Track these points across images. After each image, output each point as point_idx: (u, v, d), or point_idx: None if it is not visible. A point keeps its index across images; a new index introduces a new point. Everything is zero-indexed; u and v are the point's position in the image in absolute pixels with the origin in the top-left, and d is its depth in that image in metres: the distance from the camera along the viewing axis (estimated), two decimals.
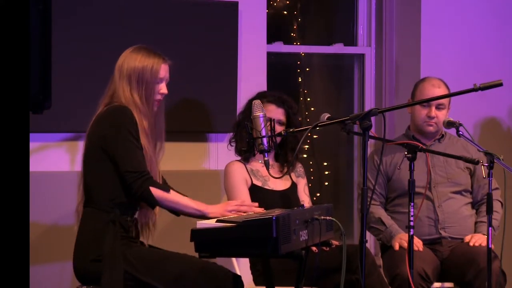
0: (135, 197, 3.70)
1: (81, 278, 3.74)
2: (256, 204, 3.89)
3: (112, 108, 3.75)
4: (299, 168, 4.61)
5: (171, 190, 3.75)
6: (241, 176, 4.42)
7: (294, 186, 4.53)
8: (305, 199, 4.52)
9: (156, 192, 3.68)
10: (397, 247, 4.52)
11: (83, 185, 3.80)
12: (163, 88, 3.84)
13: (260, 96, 4.42)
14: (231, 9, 5.10)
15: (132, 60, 3.80)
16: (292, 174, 4.56)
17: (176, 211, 3.84)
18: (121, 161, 3.68)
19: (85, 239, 3.73)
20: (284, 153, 4.49)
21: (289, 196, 4.46)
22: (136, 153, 3.68)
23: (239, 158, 4.52)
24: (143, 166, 3.69)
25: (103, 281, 3.57)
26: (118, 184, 3.71)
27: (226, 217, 3.54)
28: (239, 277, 3.73)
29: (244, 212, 3.77)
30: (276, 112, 4.43)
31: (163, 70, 3.82)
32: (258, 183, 4.43)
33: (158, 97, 3.83)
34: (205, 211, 3.74)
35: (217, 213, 3.73)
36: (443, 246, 4.62)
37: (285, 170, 4.45)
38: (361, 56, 5.80)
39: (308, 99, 5.80)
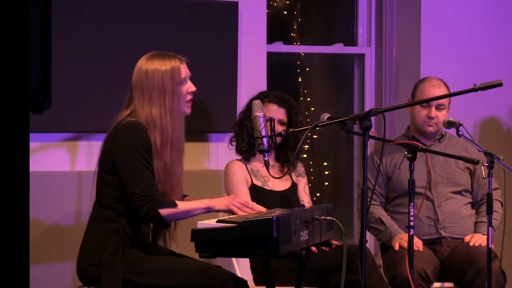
0: (144, 220, 3.67)
1: (82, 279, 3.74)
2: (261, 208, 3.86)
3: (129, 124, 3.67)
4: (300, 167, 4.60)
5: (177, 202, 3.67)
6: (241, 175, 4.42)
7: (294, 186, 4.52)
8: (305, 199, 4.52)
9: (164, 212, 3.62)
10: (397, 247, 4.52)
11: (95, 187, 3.78)
12: (190, 87, 3.80)
13: (261, 95, 4.42)
14: (231, 9, 5.10)
15: (150, 72, 3.70)
16: (293, 174, 4.55)
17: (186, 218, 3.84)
18: (129, 183, 3.62)
19: (88, 243, 3.72)
20: (285, 153, 4.49)
21: (289, 197, 4.45)
22: (144, 174, 3.62)
23: (239, 157, 4.52)
24: (150, 189, 3.62)
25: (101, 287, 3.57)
26: (125, 197, 3.66)
27: (226, 218, 3.54)
28: (244, 282, 3.71)
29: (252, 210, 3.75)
30: (278, 112, 4.43)
31: (183, 70, 3.77)
32: (258, 183, 4.43)
33: (188, 97, 3.79)
34: (210, 205, 3.71)
35: (222, 205, 3.71)
36: (443, 246, 4.62)
37: (286, 170, 4.45)
38: (361, 56, 5.79)
39: (308, 99, 5.80)
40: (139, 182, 3.61)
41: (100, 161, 3.75)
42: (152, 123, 3.68)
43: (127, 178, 3.63)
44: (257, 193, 4.39)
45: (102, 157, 3.74)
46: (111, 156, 3.69)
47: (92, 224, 3.74)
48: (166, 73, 3.72)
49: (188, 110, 3.81)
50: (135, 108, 3.74)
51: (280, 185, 4.46)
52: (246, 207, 3.72)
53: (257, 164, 4.48)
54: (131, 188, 3.61)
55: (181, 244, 3.77)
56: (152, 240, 3.82)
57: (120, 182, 3.66)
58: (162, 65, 3.73)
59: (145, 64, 3.74)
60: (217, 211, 3.74)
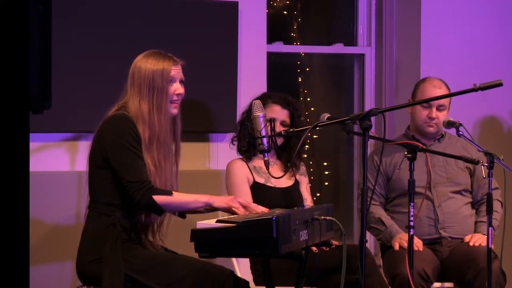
0: (139, 207, 3.68)
1: (82, 278, 3.74)
2: (263, 209, 3.84)
3: (116, 116, 3.73)
4: (301, 166, 4.60)
5: (173, 192, 3.69)
6: (242, 174, 4.41)
7: (297, 183, 4.52)
8: (307, 197, 4.52)
9: (159, 199, 3.63)
10: (397, 247, 4.52)
11: (88, 186, 3.80)
12: (178, 89, 3.81)
13: (265, 96, 4.42)
14: (231, 9, 5.10)
15: (142, 68, 3.77)
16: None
17: (183, 212, 3.84)
18: (121, 172, 3.65)
19: (86, 240, 3.73)
20: (287, 154, 4.48)
21: (292, 193, 4.45)
22: (136, 162, 3.65)
23: (240, 156, 4.51)
24: (144, 176, 3.65)
25: (104, 284, 3.57)
26: (118, 190, 3.68)
27: (226, 218, 3.54)
28: (245, 282, 3.71)
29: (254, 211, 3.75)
30: (281, 113, 4.42)
31: (174, 71, 3.79)
32: (260, 180, 4.42)
33: (174, 97, 3.80)
34: (210, 201, 3.71)
35: (223, 203, 3.71)
36: (443, 246, 4.62)
37: (287, 170, 4.43)
38: (361, 56, 5.80)
39: (308, 99, 5.80)
40: (131, 170, 3.64)
41: (91, 157, 3.78)
42: (141, 117, 3.72)
43: (119, 167, 3.66)
44: (260, 190, 4.39)
45: (93, 152, 3.77)
46: (101, 149, 3.71)
47: (88, 222, 3.76)
48: (157, 70, 3.76)
49: (174, 111, 3.81)
50: (125, 103, 3.78)
51: (282, 181, 4.45)
52: (247, 207, 3.72)
53: (259, 162, 4.46)
54: (124, 176, 3.64)
55: (181, 244, 3.77)
56: (143, 234, 3.81)
57: (112, 174, 3.68)
58: (155, 63, 3.77)
59: (140, 60, 3.80)
60: (216, 208, 3.73)
